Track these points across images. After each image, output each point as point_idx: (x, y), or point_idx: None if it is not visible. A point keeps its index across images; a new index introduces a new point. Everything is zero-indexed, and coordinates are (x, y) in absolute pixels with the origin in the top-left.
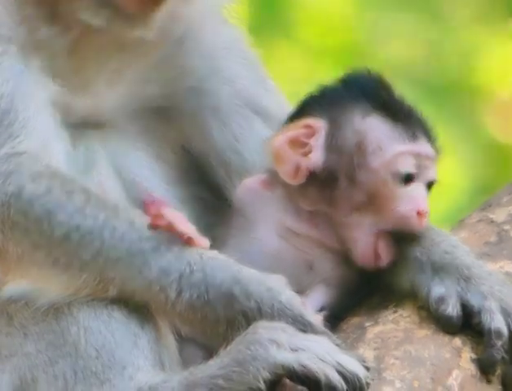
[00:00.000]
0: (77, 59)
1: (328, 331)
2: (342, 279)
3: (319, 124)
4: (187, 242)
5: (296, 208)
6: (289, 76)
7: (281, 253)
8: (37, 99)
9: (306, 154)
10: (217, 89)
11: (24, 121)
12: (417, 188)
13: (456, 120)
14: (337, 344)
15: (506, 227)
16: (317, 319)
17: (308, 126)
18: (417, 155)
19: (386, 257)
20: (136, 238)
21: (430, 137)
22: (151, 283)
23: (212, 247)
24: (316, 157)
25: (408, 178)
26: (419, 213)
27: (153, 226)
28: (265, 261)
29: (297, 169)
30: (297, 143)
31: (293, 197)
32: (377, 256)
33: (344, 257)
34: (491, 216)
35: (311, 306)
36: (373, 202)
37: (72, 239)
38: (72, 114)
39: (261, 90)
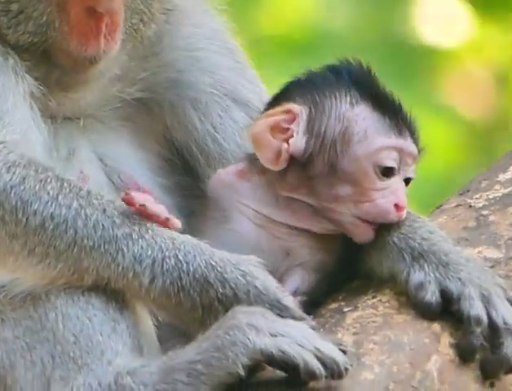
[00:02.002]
0: (49, 71)
1: (305, 315)
2: (319, 264)
3: (300, 109)
4: (163, 224)
5: (274, 196)
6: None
7: (258, 242)
8: (15, 91)
9: (286, 139)
10: (196, 80)
11: (2, 113)
12: (396, 182)
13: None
14: (313, 328)
15: (485, 212)
16: (293, 303)
17: (289, 111)
18: (401, 151)
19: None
20: (109, 225)
21: (414, 136)
22: (124, 270)
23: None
24: (297, 142)
25: (388, 172)
26: (397, 207)
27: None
28: (242, 251)
29: (278, 154)
30: (278, 129)
31: (271, 185)
32: (365, 229)
33: (321, 241)
34: (469, 201)
35: (288, 290)
36: (353, 192)
37: (46, 228)
38: (50, 108)
39: (241, 79)
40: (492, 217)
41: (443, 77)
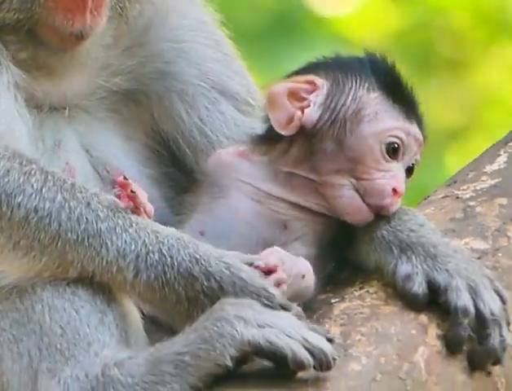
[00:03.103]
0: (35, 52)
1: (290, 303)
2: (316, 237)
3: (322, 82)
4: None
5: (274, 173)
6: None
7: (254, 216)
8: None
9: (302, 108)
10: (183, 71)
11: None
12: (398, 168)
13: None
14: (299, 316)
15: (472, 203)
16: (279, 291)
17: (311, 82)
18: (407, 134)
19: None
20: (92, 219)
21: (421, 126)
22: (108, 264)
23: (182, 217)
24: (311, 113)
25: (393, 152)
26: (395, 191)
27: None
28: (237, 226)
29: (290, 119)
30: (296, 96)
31: (272, 162)
32: (363, 208)
33: (318, 216)
34: (456, 192)
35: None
36: (356, 168)
37: (30, 221)
38: (36, 97)
39: (227, 71)
40: (479, 209)
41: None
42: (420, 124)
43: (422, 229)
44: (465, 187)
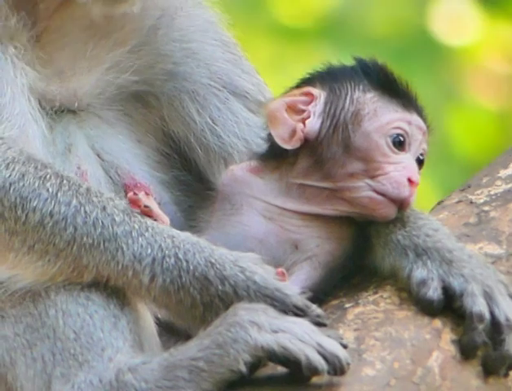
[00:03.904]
0: (49, 46)
1: (308, 302)
2: (327, 257)
3: (318, 92)
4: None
5: (286, 187)
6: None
7: (266, 235)
8: (13, 85)
9: (303, 120)
10: (193, 72)
11: (0, 107)
12: (408, 159)
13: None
14: (318, 317)
15: (486, 208)
16: (295, 291)
17: (307, 93)
18: (409, 123)
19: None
20: (108, 223)
21: (422, 114)
22: (124, 268)
23: (195, 229)
24: (313, 123)
25: (400, 143)
26: (410, 181)
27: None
28: (248, 244)
29: (293, 133)
30: (295, 109)
31: (283, 177)
32: (386, 204)
33: (331, 231)
34: (470, 197)
35: (295, 284)
36: (368, 167)
37: (46, 225)
38: (48, 99)
39: (237, 71)
40: (493, 213)
41: (461, 73)
42: (420, 114)
43: (437, 234)
44: (479, 192)
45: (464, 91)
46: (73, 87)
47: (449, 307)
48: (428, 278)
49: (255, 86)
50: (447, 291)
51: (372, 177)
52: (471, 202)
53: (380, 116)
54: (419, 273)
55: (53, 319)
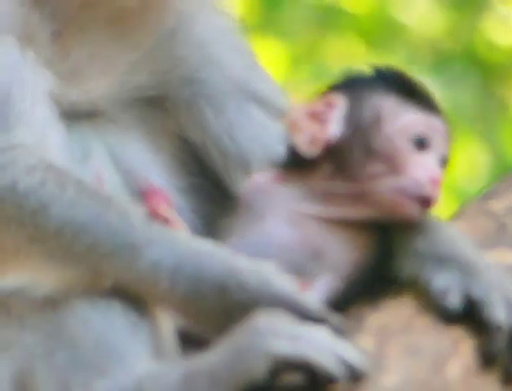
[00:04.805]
0: (70, 41)
1: (327, 312)
2: (349, 266)
3: (339, 99)
4: None
5: (310, 193)
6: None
7: (289, 243)
8: (33, 90)
9: (323, 126)
10: (210, 77)
11: (20, 113)
12: (429, 159)
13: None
14: (337, 326)
15: (505, 217)
16: (315, 300)
17: (328, 101)
18: (429, 125)
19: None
20: (129, 230)
21: (440, 116)
22: (144, 276)
23: (214, 237)
24: (334, 130)
25: (420, 143)
26: (433, 180)
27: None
28: (271, 252)
29: (314, 139)
30: (316, 116)
31: (306, 183)
32: (410, 204)
33: (355, 239)
34: (490, 207)
35: (316, 295)
36: (389, 168)
37: (66, 232)
38: (65, 104)
39: (255, 77)
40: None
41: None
42: (439, 116)
43: (456, 242)
44: (498, 201)
45: None
46: (89, 90)
47: (469, 315)
48: (448, 286)
49: (273, 92)
50: (467, 299)
51: (395, 178)
52: (491, 212)
53: (399, 119)
54: (439, 281)
55: (72, 327)
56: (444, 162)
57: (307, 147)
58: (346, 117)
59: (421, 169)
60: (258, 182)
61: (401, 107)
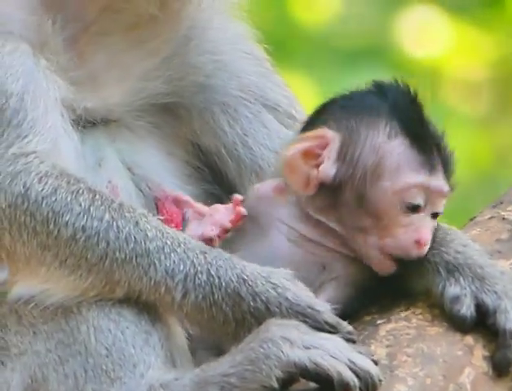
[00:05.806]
0: (87, 47)
1: (339, 320)
2: (354, 277)
3: (333, 135)
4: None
5: (306, 215)
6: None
7: (293, 257)
8: (46, 97)
9: (317, 165)
10: (224, 84)
11: (33, 121)
12: (421, 218)
13: None
14: (349, 334)
15: None
16: (327, 308)
17: (322, 137)
18: (429, 190)
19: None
20: (141, 238)
21: (449, 172)
22: (156, 284)
23: (225, 247)
24: (327, 169)
25: (414, 208)
26: (419, 243)
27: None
28: (277, 264)
29: (308, 180)
30: (310, 154)
31: (303, 205)
32: (387, 264)
33: (356, 257)
34: (502, 213)
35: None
36: (377, 225)
37: (78, 240)
38: (79, 111)
39: (268, 84)
40: None
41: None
42: (447, 171)
43: (467, 250)
44: (511, 208)
45: (442, 102)
46: (104, 96)
47: (481, 323)
48: (461, 294)
49: (286, 99)
50: (479, 307)
51: (381, 237)
52: (503, 218)
53: (401, 176)
54: (452, 290)
55: (85, 335)
56: (437, 215)
57: (302, 188)
58: (341, 156)
59: (409, 231)
60: (260, 193)
61: (406, 158)
